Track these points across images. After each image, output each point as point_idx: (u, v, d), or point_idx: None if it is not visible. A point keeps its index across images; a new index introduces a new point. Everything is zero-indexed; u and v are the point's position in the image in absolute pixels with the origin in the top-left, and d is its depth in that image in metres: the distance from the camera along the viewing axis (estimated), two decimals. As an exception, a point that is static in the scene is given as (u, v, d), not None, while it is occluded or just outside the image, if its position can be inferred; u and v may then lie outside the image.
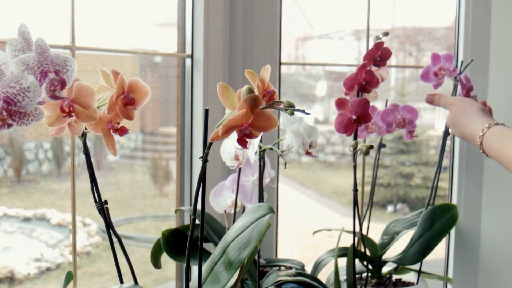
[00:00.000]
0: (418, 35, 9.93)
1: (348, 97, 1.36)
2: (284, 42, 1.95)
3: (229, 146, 1.30)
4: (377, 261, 1.75)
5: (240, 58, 1.89)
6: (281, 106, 0.95)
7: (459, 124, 1.39)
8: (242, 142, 0.94)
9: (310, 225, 7.21)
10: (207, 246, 1.62)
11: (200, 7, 1.82)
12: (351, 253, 1.53)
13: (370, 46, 1.41)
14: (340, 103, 1.31)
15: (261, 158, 1.38)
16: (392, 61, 1.63)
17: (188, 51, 1.87)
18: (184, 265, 1.08)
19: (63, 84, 0.89)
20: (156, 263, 1.51)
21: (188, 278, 1.08)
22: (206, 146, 0.98)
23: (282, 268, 1.72)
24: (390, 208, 7.92)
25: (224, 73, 1.85)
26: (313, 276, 1.60)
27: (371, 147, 1.34)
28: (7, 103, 0.82)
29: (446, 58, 1.62)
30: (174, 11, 1.94)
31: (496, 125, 1.27)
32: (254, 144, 1.26)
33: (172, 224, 1.98)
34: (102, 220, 1.10)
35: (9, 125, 0.83)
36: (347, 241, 1.67)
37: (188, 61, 1.88)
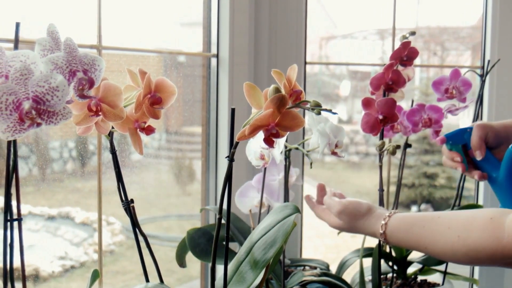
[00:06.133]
0: (442, 35, 9.86)
1: (374, 97, 1.36)
2: (307, 42, 1.95)
3: (255, 146, 1.30)
4: (402, 262, 1.74)
5: (266, 57, 1.89)
6: (308, 105, 0.95)
7: (355, 224, 1.27)
8: (269, 141, 0.94)
9: (333, 225, 7.17)
10: (232, 245, 1.62)
11: (225, 7, 1.82)
12: (377, 253, 1.52)
13: (396, 46, 1.41)
14: (367, 103, 1.31)
15: (287, 157, 1.38)
16: (416, 60, 1.61)
17: (214, 50, 1.87)
18: (209, 264, 1.09)
19: (91, 83, 0.89)
20: (181, 262, 1.51)
21: (214, 277, 1.08)
22: (232, 145, 0.98)
23: (307, 268, 1.72)
24: (414, 208, 7.88)
25: (249, 72, 1.85)
26: (338, 276, 1.60)
27: (398, 147, 1.33)
28: (36, 102, 0.83)
29: (464, 83, 1.60)
30: (199, 11, 1.94)
31: (395, 213, 1.20)
32: (280, 143, 1.25)
33: (196, 223, 1.98)
34: (126, 219, 1.10)
35: (38, 124, 0.83)
36: (372, 241, 1.66)
37: (213, 61, 1.88)
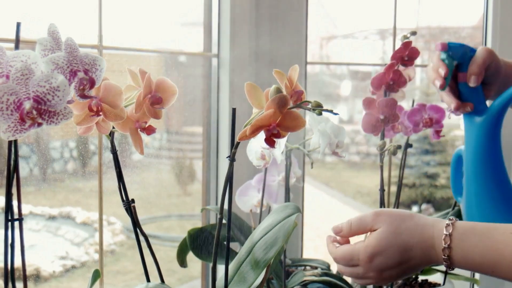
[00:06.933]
0: (443, 35, 9.85)
1: (375, 97, 1.36)
2: (308, 42, 1.95)
3: (255, 146, 1.30)
4: (403, 262, 1.74)
5: (267, 57, 1.88)
6: (309, 106, 0.95)
7: (402, 228, 0.95)
8: (270, 141, 0.94)
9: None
10: (233, 245, 1.62)
11: (226, 7, 1.82)
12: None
13: (397, 45, 1.41)
14: (368, 103, 1.31)
15: (288, 157, 1.38)
16: (417, 60, 1.61)
17: (214, 50, 1.87)
18: (210, 264, 1.08)
19: (92, 83, 0.89)
20: (182, 262, 1.51)
21: (214, 277, 1.08)
22: (233, 145, 0.98)
23: (308, 268, 1.72)
24: (415, 208, 7.88)
25: (250, 72, 1.85)
26: (339, 276, 1.59)
27: (399, 147, 1.33)
28: (37, 102, 0.83)
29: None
30: (200, 11, 1.94)
31: (456, 221, 0.92)
32: (281, 143, 1.25)
33: (196, 223, 1.98)
34: (127, 219, 1.10)
35: (39, 124, 0.83)
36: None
37: (214, 61, 1.88)
